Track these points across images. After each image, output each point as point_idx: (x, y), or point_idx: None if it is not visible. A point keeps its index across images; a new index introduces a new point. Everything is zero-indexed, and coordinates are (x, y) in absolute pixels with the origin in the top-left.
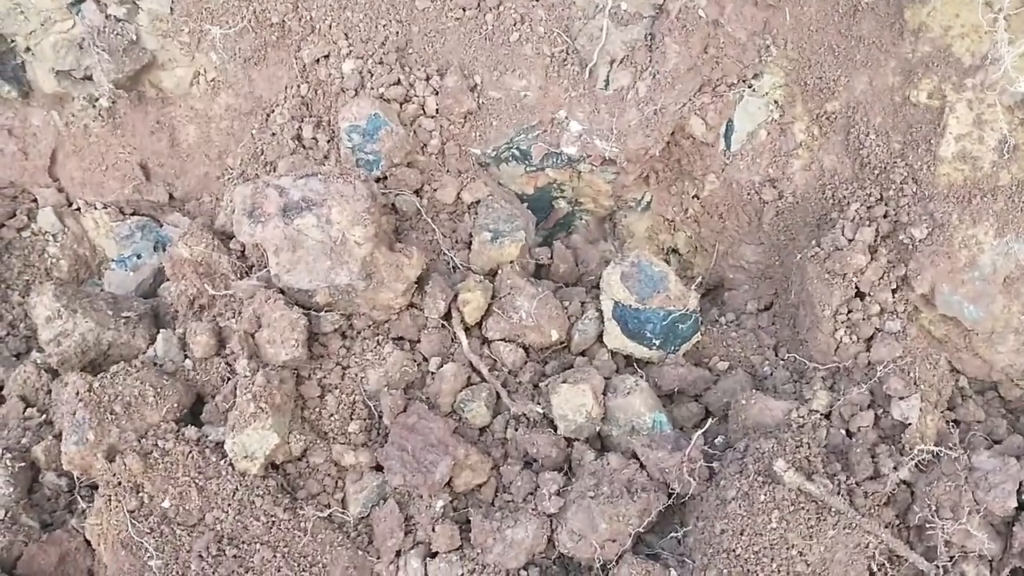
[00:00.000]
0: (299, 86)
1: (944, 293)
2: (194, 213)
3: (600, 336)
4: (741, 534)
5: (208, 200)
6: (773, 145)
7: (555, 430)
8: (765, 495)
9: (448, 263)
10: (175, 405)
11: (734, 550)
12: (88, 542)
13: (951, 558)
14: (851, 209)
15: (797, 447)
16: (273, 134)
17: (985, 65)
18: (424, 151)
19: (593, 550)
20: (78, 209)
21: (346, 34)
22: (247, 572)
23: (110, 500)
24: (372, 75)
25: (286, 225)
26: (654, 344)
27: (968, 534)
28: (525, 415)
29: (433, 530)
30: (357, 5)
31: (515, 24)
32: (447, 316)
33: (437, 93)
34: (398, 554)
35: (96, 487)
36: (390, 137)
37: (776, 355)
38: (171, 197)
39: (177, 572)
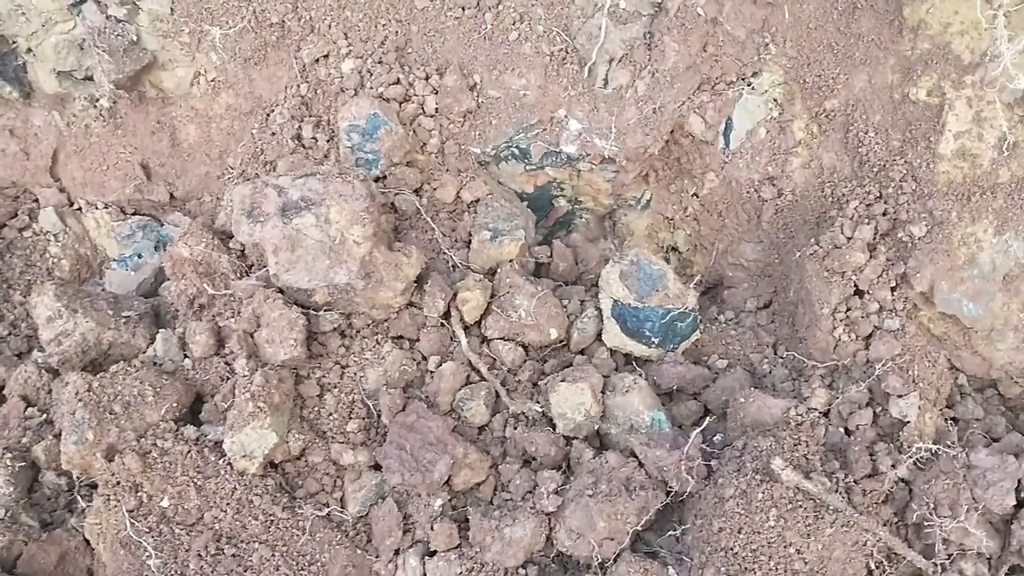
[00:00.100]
0: (299, 86)
1: (943, 291)
2: (195, 213)
3: (599, 334)
4: (739, 532)
5: (209, 200)
6: (772, 143)
7: (554, 428)
8: (763, 493)
9: (447, 262)
10: (174, 404)
11: (732, 548)
12: (88, 541)
13: (949, 556)
14: (850, 207)
15: (795, 445)
16: (273, 134)
17: (985, 62)
18: (423, 150)
19: (591, 548)
20: (79, 209)
21: (345, 34)
22: (246, 571)
23: (109, 499)
24: (371, 74)
25: (285, 225)
26: (653, 342)
27: (966, 532)
28: (524, 414)
29: (432, 529)
30: (356, 5)
31: (514, 23)
32: (446, 315)
33: (436, 92)
34: (397, 553)
35: (96, 486)
36: (389, 136)
37: (775, 353)
38: (172, 197)
39: (176, 571)
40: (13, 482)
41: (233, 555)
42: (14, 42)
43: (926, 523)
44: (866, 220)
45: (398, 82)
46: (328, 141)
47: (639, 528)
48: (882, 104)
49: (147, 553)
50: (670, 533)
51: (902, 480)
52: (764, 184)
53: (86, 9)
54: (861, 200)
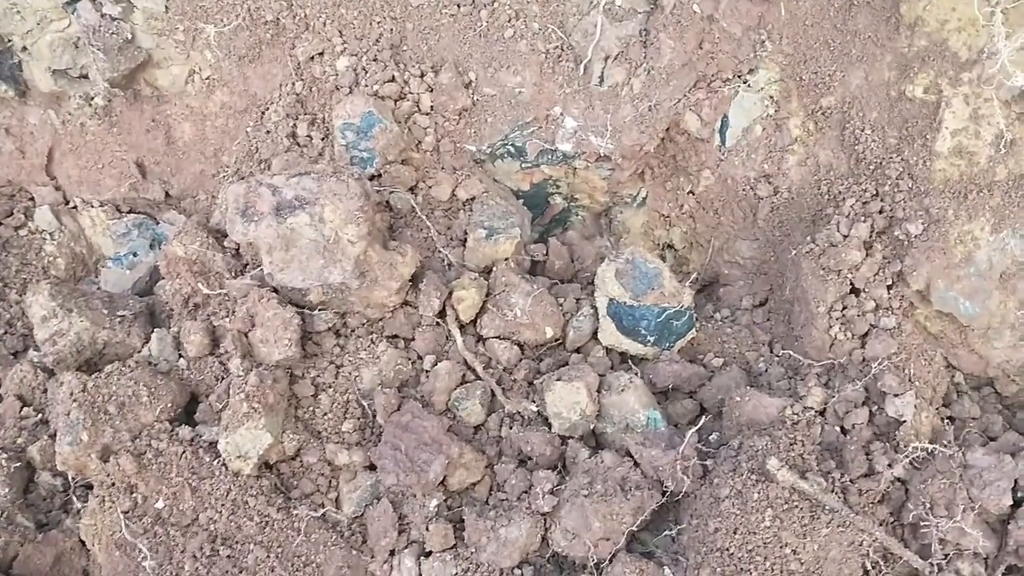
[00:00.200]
0: (293, 84)
1: (940, 289)
2: (190, 211)
3: (595, 333)
4: (735, 532)
5: (204, 198)
6: (768, 141)
7: (549, 428)
8: (759, 493)
9: (443, 260)
10: (169, 405)
11: (728, 548)
12: (83, 543)
13: (946, 556)
14: (846, 205)
15: (791, 444)
16: (268, 132)
17: (982, 59)
18: (419, 148)
19: (587, 548)
20: (75, 207)
21: (340, 31)
22: (241, 572)
23: (104, 500)
24: (366, 72)
25: (279, 224)
26: (648, 341)
27: (963, 532)
28: (520, 413)
29: (427, 529)
30: (351, 2)
31: (509, 20)
32: (441, 314)
33: (432, 90)
34: (392, 553)
35: (91, 487)
36: (384, 134)
37: (771, 351)
38: (167, 195)
39: (171, 572)
40: (9, 483)
41: (228, 556)
42: (9, 40)
43: (922, 523)
44: (862, 218)
45: (393, 80)
46: (323, 139)
47: (635, 528)
48: (879, 101)
49: (142, 554)
50: (666, 533)
51: (898, 480)
52: (760, 182)
53: (81, 7)
54: (857, 198)
